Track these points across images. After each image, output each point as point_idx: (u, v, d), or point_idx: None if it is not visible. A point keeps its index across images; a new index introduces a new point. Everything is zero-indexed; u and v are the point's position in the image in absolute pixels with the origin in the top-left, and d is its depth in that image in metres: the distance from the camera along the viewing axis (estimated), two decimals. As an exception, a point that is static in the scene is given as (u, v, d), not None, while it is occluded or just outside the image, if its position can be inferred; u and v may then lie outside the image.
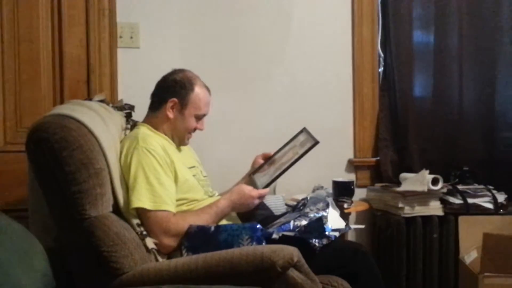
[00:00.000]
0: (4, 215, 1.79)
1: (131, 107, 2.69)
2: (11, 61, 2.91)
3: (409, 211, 3.19)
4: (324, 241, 2.27)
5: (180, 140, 2.51)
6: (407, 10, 3.49)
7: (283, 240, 2.20)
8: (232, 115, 3.30)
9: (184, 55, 3.22)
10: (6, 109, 2.91)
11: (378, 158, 3.50)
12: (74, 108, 2.19)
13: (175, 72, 2.52)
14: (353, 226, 2.90)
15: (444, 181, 3.23)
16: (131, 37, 3.17)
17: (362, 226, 3.22)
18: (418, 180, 3.18)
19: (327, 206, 2.44)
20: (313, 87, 3.44)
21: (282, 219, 2.43)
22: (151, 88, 2.55)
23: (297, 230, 2.29)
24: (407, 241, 3.20)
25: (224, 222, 2.39)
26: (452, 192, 3.26)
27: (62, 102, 2.90)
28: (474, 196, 3.24)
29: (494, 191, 3.28)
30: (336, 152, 3.45)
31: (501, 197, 3.26)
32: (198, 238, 2.21)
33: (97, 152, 2.06)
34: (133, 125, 2.57)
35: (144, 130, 2.41)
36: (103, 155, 2.10)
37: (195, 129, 2.52)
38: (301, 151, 2.49)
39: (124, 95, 3.00)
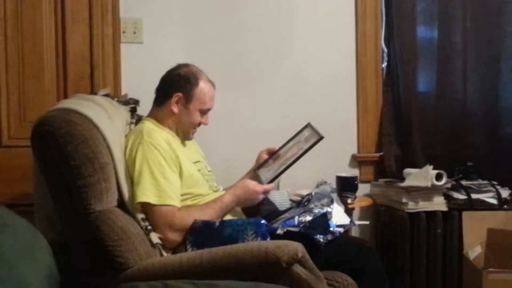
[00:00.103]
0: (8, 210, 1.79)
1: (136, 102, 2.68)
2: (15, 57, 2.91)
3: (413, 207, 3.18)
4: (329, 237, 2.27)
5: (184, 134, 2.51)
6: (411, 5, 3.47)
7: (288, 235, 2.20)
8: (236, 110, 3.30)
9: (187, 50, 3.21)
10: (10, 104, 2.91)
11: (381, 153, 3.49)
12: (79, 103, 2.19)
13: (179, 66, 2.52)
14: (357, 222, 2.90)
15: (448, 177, 3.23)
16: (135, 33, 3.16)
17: (367, 222, 3.21)
18: (422, 176, 3.17)
19: (332, 202, 2.44)
20: (317, 83, 3.44)
21: (286, 215, 2.43)
22: (154, 83, 2.54)
23: (301, 225, 2.29)
24: (411, 236, 3.20)
25: (229, 217, 2.39)
26: (456, 187, 3.26)
27: (65, 97, 2.90)
28: (478, 191, 3.24)
29: (498, 187, 3.27)
30: (339, 147, 3.44)
31: (505, 193, 3.26)
32: (202, 233, 2.21)
33: (102, 147, 2.06)
34: (138, 119, 2.56)
35: (149, 125, 2.41)
36: (108, 150, 2.11)
37: (199, 124, 2.51)
38: (305, 146, 2.49)
39: (127, 90, 3.00)
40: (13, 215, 1.76)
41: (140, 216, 2.20)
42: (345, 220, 2.45)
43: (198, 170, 2.47)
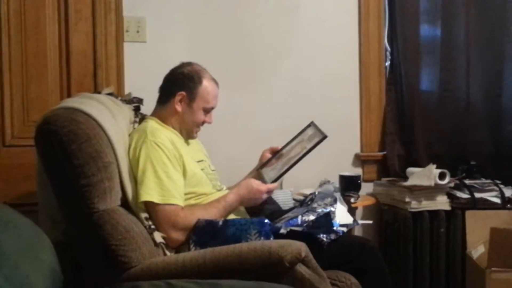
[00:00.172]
0: (12, 209, 1.79)
1: (140, 101, 2.69)
2: (18, 56, 2.91)
3: (416, 206, 3.19)
4: (332, 236, 2.26)
5: (188, 133, 2.51)
6: (414, 4, 3.48)
7: (291, 235, 2.20)
8: (239, 109, 3.29)
9: (190, 48, 3.21)
10: (13, 104, 2.90)
11: (385, 152, 3.49)
12: (82, 101, 2.19)
13: (183, 65, 2.52)
14: (360, 222, 2.90)
15: (451, 176, 3.23)
16: (138, 31, 3.16)
17: (370, 222, 3.21)
18: (425, 175, 3.17)
19: (335, 201, 2.44)
20: (320, 82, 3.44)
21: (290, 214, 2.43)
22: (157, 82, 2.54)
23: (305, 225, 2.29)
24: (414, 235, 3.20)
25: (232, 216, 2.38)
26: (459, 186, 3.26)
27: (69, 96, 2.90)
28: (481, 190, 3.24)
29: (501, 186, 3.27)
30: (342, 146, 3.44)
31: (508, 192, 3.26)
32: (206, 232, 2.21)
33: (105, 146, 2.06)
34: (142, 118, 2.56)
35: (152, 124, 2.41)
36: (112, 149, 2.10)
37: (203, 123, 2.51)
38: (309, 146, 2.49)
39: (130, 89, 2.99)
40: (16, 214, 1.76)
41: (144, 215, 2.19)
42: (349, 219, 2.45)
43: (202, 169, 2.47)
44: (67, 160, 1.96)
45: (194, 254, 2.05)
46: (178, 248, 2.25)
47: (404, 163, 3.45)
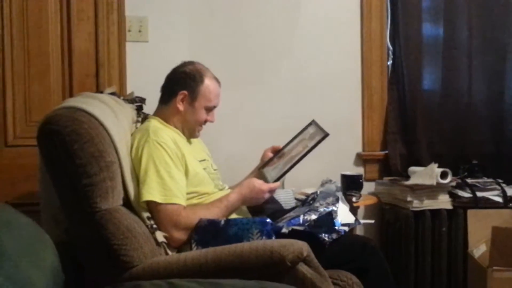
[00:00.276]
0: (13, 208, 1.79)
1: (142, 100, 2.69)
2: (20, 56, 2.92)
3: (418, 205, 3.18)
4: (334, 236, 2.26)
5: (190, 132, 2.51)
6: (416, 3, 3.48)
7: (293, 234, 2.20)
8: (240, 108, 3.30)
9: (192, 48, 3.22)
10: (15, 104, 2.92)
11: (386, 151, 3.49)
12: (85, 101, 2.19)
13: (184, 64, 2.52)
14: (362, 221, 2.89)
15: (453, 175, 3.22)
16: (140, 31, 3.17)
17: (372, 221, 3.20)
18: (427, 174, 3.17)
19: (337, 200, 2.44)
20: (322, 81, 3.43)
21: (291, 213, 2.43)
22: (159, 81, 2.54)
23: (306, 224, 2.29)
24: (416, 235, 3.19)
25: (234, 216, 2.39)
26: (461, 185, 3.25)
27: (71, 96, 2.91)
28: (483, 189, 3.23)
29: (503, 185, 3.26)
30: (344, 145, 3.44)
31: (510, 191, 3.25)
32: (208, 232, 2.21)
33: (108, 145, 2.06)
34: (144, 118, 2.56)
35: (155, 123, 2.41)
36: (114, 148, 2.10)
37: (205, 122, 2.51)
38: (311, 144, 2.49)
39: (133, 88, 2.99)
40: (18, 214, 1.76)
41: (146, 214, 2.20)
42: (350, 218, 2.44)
43: (204, 169, 2.47)
44: (70, 159, 1.96)
45: (195, 253, 2.05)
46: (180, 247, 2.25)
47: (406, 162, 3.44)
